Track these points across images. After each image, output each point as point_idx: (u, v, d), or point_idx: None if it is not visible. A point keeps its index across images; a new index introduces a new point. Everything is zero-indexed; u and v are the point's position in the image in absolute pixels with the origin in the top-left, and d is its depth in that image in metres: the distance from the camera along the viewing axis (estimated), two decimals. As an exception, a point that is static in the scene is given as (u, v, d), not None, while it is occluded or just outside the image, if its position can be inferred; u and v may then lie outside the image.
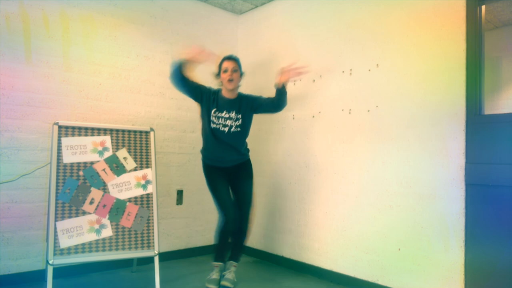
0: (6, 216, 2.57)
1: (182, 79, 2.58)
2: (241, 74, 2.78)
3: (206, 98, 2.71)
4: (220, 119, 2.68)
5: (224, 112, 2.70)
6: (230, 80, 2.67)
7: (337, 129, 2.88)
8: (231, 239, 2.82)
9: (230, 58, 2.75)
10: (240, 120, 2.72)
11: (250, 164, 2.88)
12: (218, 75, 2.77)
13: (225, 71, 2.69)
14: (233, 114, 2.71)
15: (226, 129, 2.68)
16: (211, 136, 2.69)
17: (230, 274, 2.73)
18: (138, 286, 2.67)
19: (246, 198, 2.80)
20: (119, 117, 3.07)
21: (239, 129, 2.72)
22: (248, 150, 2.88)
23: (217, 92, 2.76)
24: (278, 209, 3.33)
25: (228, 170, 2.78)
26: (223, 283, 2.66)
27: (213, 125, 2.68)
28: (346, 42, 2.85)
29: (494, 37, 3.64)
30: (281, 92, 2.66)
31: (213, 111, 2.69)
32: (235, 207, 2.72)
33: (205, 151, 2.79)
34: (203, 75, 2.85)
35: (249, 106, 2.76)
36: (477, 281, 2.12)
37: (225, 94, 2.75)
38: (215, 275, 2.70)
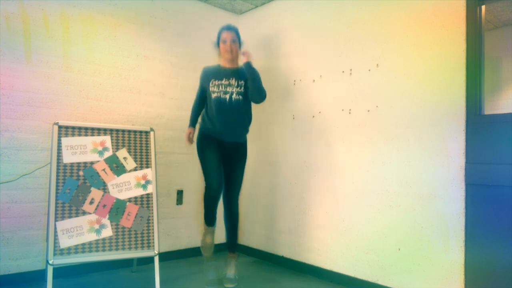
0: (6, 216, 2.57)
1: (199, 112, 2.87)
2: (240, 44, 2.80)
3: (206, 78, 2.73)
4: (220, 86, 2.66)
5: (224, 79, 2.68)
6: (229, 51, 2.69)
7: (337, 129, 2.88)
8: (225, 225, 2.83)
9: (229, 28, 2.76)
10: (242, 88, 2.69)
11: (246, 147, 2.87)
12: (217, 45, 2.78)
13: (224, 41, 2.71)
14: (233, 81, 2.68)
15: (227, 96, 2.65)
16: (213, 107, 2.66)
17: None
18: (138, 286, 2.67)
19: (237, 180, 2.79)
20: (119, 117, 3.07)
21: (240, 97, 2.68)
22: (247, 131, 2.85)
23: (215, 66, 2.78)
24: (278, 209, 3.33)
25: (224, 147, 2.73)
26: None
27: (213, 95, 2.65)
28: (346, 42, 2.85)
29: (494, 37, 3.64)
30: (247, 68, 2.66)
31: (211, 81, 2.68)
32: (220, 177, 2.69)
33: (205, 122, 2.74)
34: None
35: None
36: (477, 281, 2.12)
37: (224, 64, 2.76)
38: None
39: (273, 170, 3.40)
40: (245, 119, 2.79)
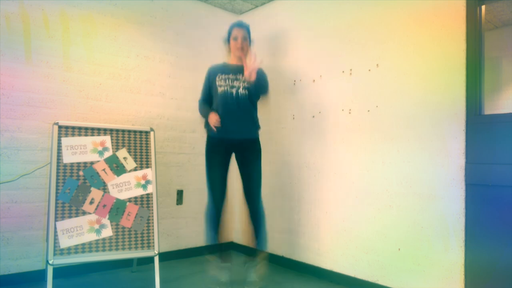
0: (6, 216, 2.57)
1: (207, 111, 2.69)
2: (250, 43, 2.74)
3: (213, 74, 2.68)
4: (227, 80, 2.61)
5: (231, 74, 2.64)
6: (240, 48, 2.64)
7: (337, 129, 2.88)
8: (251, 226, 2.75)
9: (240, 25, 2.69)
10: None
11: (259, 144, 2.75)
12: (227, 41, 2.73)
13: (235, 38, 2.65)
14: (240, 76, 2.63)
15: (234, 90, 2.59)
16: (219, 102, 2.60)
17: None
18: (138, 286, 2.67)
19: (255, 179, 2.68)
20: (119, 117, 3.07)
21: (247, 92, 2.62)
22: (258, 127, 2.76)
23: (222, 63, 2.75)
24: (278, 209, 3.33)
25: (234, 146, 2.66)
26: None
27: (220, 89, 2.60)
28: (346, 42, 2.85)
29: (494, 37, 3.64)
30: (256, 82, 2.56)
31: (217, 76, 2.64)
32: (224, 193, 2.65)
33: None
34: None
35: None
36: (477, 281, 2.12)
37: (232, 61, 2.72)
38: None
39: (273, 170, 3.40)
40: (253, 114, 2.70)
